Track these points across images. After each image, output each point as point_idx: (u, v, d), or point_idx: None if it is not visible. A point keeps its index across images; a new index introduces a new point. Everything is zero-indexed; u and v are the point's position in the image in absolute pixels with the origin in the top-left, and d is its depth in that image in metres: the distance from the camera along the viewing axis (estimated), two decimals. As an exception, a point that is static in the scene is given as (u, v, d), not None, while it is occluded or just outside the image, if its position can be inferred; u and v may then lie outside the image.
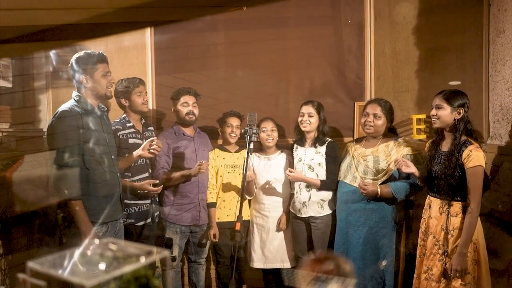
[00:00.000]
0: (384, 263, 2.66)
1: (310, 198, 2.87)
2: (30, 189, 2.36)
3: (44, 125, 3.33)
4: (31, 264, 0.74)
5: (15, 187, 2.59)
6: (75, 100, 2.38)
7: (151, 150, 2.61)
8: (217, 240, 3.02)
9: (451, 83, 2.94)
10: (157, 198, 2.98)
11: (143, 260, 0.76)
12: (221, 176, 3.08)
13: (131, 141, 2.82)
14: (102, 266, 0.73)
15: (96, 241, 0.84)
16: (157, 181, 2.80)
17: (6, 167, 2.68)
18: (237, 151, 3.15)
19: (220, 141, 3.27)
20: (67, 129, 2.28)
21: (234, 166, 3.10)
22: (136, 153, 2.67)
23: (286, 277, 2.82)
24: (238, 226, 2.60)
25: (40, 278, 0.86)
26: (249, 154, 2.75)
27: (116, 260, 0.75)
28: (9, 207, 2.67)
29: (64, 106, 2.34)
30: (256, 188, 3.06)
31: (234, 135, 3.09)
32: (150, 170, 2.92)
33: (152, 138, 2.66)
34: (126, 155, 2.73)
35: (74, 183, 2.28)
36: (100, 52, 2.43)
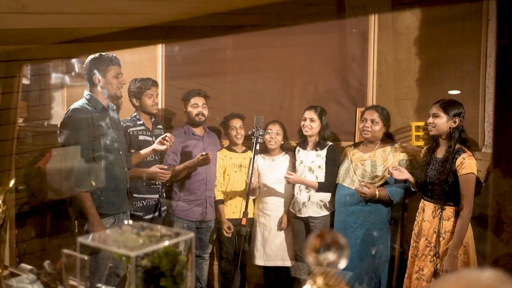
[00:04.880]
0: (374, 250, 2.78)
1: (309, 199, 2.98)
2: (59, 180, 2.54)
3: (58, 121, 3.48)
4: (81, 240, 0.88)
5: (48, 177, 2.76)
6: (86, 99, 2.52)
7: (164, 142, 2.76)
8: (232, 231, 3.12)
9: (451, 92, 3.05)
10: (164, 194, 3.13)
11: (171, 240, 0.90)
12: (228, 175, 3.21)
13: (141, 137, 2.97)
14: (140, 241, 0.87)
15: (130, 222, 0.99)
16: (165, 166, 2.91)
17: (36, 159, 2.86)
18: (243, 152, 3.28)
19: (227, 142, 3.40)
20: (78, 126, 2.42)
21: (241, 166, 3.23)
22: (149, 148, 2.82)
23: (293, 270, 2.99)
24: (244, 221, 2.74)
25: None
26: (255, 155, 2.88)
27: (149, 239, 0.90)
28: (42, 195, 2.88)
29: (76, 104, 2.48)
30: (260, 188, 3.19)
31: (240, 136, 3.21)
32: None
33: (166, 134, 2.81)
34: (140, 151, 2.87)
35: (84, 177, 2.43)
36: (114, 55, 2.58)
